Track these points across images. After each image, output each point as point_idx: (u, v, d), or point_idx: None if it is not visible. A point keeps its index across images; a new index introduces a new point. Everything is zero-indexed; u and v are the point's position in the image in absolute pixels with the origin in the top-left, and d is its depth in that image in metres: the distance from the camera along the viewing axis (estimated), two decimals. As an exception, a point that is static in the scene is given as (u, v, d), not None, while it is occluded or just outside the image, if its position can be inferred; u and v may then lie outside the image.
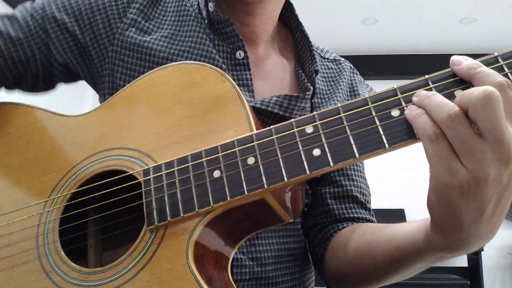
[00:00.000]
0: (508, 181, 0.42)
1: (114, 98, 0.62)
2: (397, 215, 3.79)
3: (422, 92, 0.44)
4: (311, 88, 0.73)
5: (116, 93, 0.62)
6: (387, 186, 3.95)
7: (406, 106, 0.45)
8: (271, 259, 0.69)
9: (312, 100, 0.74)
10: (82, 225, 0.58)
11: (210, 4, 0.72)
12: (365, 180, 0.81)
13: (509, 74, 0.43)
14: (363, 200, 0.77)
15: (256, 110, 0.66)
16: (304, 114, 0.65)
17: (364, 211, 0.77)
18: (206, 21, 0.73)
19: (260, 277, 0.67)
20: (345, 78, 0.83)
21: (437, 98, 0.42)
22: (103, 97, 0.75)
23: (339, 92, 0.79)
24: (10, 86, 0.74)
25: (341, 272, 0.70)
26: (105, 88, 0.73)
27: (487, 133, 0.40)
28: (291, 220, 0.57)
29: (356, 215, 0.75)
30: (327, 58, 0.86)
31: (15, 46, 0.70)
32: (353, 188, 0.76)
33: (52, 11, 0.72)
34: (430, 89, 0.44)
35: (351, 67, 0.87)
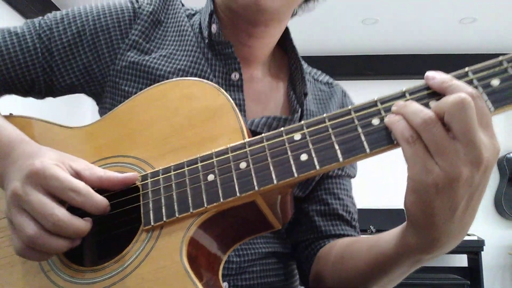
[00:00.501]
0: (479, 182, 0.45)
1: (115, 111, 0.65)
2: (397, 215, 3.79)
3: (399, 102, 0.48)
4: (299, 109, 0.77)
5: (117, 107, 0.66)
6: (387, 186, 3.95)
7: (385, 115, 0.49)
8: (257, 256, 0.73)
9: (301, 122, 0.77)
10: None
11: (214, 26, 0.75)
12: (352, 198, 0.84)
13: (478, 87, 0.47)
14: (349, 218, 0.81)
15: None
16: None
17: (350, 228, 0.80)
18: (206, 40, 0.76)
19: (246, 271, 0.71)
20: (336, 101, 0.86)
21: (413, 105, 0.46)
22: (103, 110, 0.78)
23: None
24: (23, 95, 0.80)
25: (327, 284, 0.72)
26: (106, 103, 0.77)
27: (461, 135, 0.43)
28: (280, 227, 0.60)
29: (342, 232, 0.79)
30: (320, 81, 0.89)
31: (21, 69, 0.75)
32: (339, 206, 0.80)
33: (59, 33, 0.76)
34: (407, 100, 0.49)
35: (343, 91, 0.91)
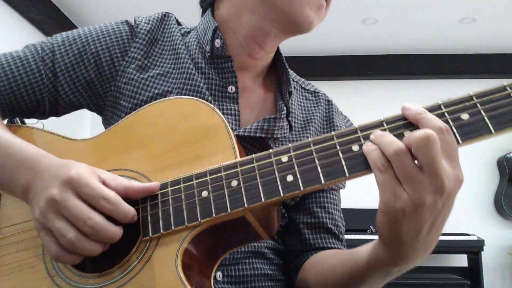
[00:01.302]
0: (442, 208, 0.50)
1: (116, 126, 0.70)
2: (397, 215, 3.78)
3: (377, 132, 0.53)
4: (285, 107, 0.81)
5: (118, 122, 0.70)
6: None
7: (364, 142, 0.54)
8: (252, 249, 0.78)
9: (288, 118, 0.82)
10: None
11: (217, 41, 0.79)
12: (340, 212, 0.89)
13: (449, 120, 0.52)
14: (336, 232, 0.86)
15: (240, 138, 0.76)
16: (283, 132, 0.81)
17: (336, 241, 0.85)
18: (208, 54, 0.80)
19: (239, 263, 0.77)
20: (321, 110, 0.91)
21: (388, 136, 0.52)
22: (106, 121, 0.83)
23: (313, 122, 0.88)
24: (26, 117, 0.84)
25: None
26: (108, 116, 0.82)
27: (426, 166, 0.48)
28: (268, 238, 0.65)
29: (329, 245, 0.83)
30: (307, 90, 0.94)
31: (27, 91, 0.78)
32: (328, 220, 0.85)
33: (61, 55, 0.80)
34: (385, 130, 0.54)
35: (328, 100, 0.95)
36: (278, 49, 0.87)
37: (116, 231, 0.56)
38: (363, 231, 3.67)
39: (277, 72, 0.89)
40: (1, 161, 0.64)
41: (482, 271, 3.66)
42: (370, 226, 3.70)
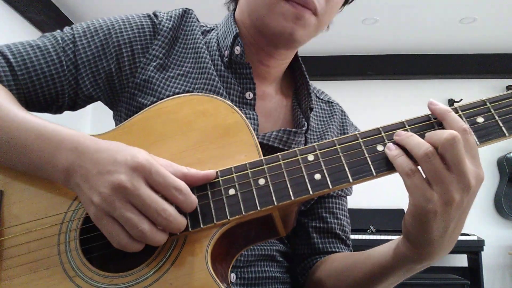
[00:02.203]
0: (467, 205, 0.53)
1: (130, 122, 0.67)
2: (397, 215, 3.79)
3: (402, 132, 0.55)
4: (306, 123, 0.81)
5: (132, 117, 0.67)
6: (386, 186, 3.95)
7: (388, 142, 0.56)
8: (265, 252, 0.77)
9: (306, 135, 0.82)
10: (101, 235, 0.60)
11: (237, 48, 0.78)
12: (348, 218, 0.90)
13: (466, 123, 0.55)
14: (344, 237, 0.86)
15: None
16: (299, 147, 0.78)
17: (344, 246, 0.86)
18: (226, 59, 0.78)
19: (253, 265, 0.76)
20: (336, 120, 0.91)
21: (416, 138, 0.53)
22: (119, 117, 0.80)
23: (330, 132, 0.88)
24: (38, 111, 0.78)
25: None
26: (122, 112, 0.79)
27: (453, 166, 0.50)
28: (284, 235, 0.64)
29: (336, 250, 0.84)
30: (321, 99, 0.94)
31: (47, 82, 0.74)
32: (336, 226, 0.86)
33: (83, 46, 0.76)
34: (407, 130, 0.56)
35: (342, 111, 0.95)
36: (297, 57, 0.86)
37: (184, 222, 0.54)
38: (363, 231, 3.67)
39: (295, 79, 0.88)
40: (37, 143, 0.59)
41: (482, 271, 3.66)
42: (370, 226, 3.70)
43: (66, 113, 0.85)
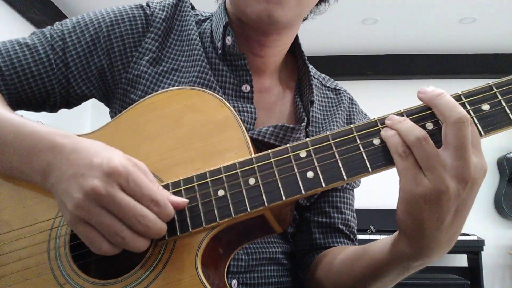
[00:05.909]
0: (466, 198, 0.49)
1: (118, 119, 0.64)
2: (397, 215, 3.78)
3: (394, 117, 0.52)
4: (305, 119, 0.77)
5: (119, 114, 0.65)
6: (387, 186, 3.95)
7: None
8: (266, 255, 0.74)
9: (307, 129, 0.78)
10: None
11: (228, 38, 0.74)
12: (353, 212, 0.86)
13: (470, 111, 0.51)
14: (348, 232, 0.82)
15: (253, 140, 0.69)
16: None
17: (347, 241, 0.82)
18: (219, 51, 0.75)
19: (254, 270, 0.73)
20: (343, 108, 0.86)
21: (408, 123, 0.51)
22: (114, 114, 0.78)
23: (336, 121, 0.83)
24: (35, 110, 0.77)
25: None
26: (116, 108, 0.77)
27: (454, 150, 0.47)
28: (282, 231, 0.62)
29: (337, 245, 0.80)
30: (328, 87, 0.89)
31: (35, 81, 0.72)
32: (340, 221, 0.81)
33: (73, 42, 0.74)
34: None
35: (350, 98, 0.90)
36: (298, 45, 0.81)
37: (165, 228, 0.52)
38: (363, 231, 3.67)
39: (298, 68, 0.83)
40: (14, 143, 0.57)
41: (482, 271, 3.66)
42: (370, 226, 3.70)
43: (66, 111, 0.84)
